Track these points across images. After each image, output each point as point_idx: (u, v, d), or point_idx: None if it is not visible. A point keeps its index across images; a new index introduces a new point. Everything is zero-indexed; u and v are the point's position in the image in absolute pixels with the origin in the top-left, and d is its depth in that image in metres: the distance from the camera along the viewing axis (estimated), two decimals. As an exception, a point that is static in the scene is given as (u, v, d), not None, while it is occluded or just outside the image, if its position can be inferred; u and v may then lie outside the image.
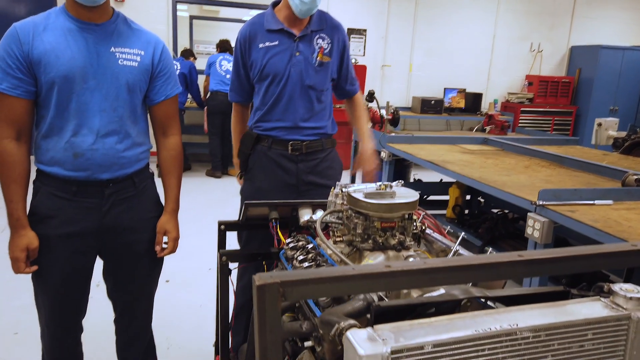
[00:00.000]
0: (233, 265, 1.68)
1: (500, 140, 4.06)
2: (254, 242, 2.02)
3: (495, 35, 8.28)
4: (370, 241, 1.29)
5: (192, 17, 7.35)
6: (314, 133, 2.10)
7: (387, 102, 4.81)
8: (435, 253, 1.40)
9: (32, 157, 1.55)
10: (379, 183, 1.35)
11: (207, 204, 4.94)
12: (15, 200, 1.50)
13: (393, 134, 4.22)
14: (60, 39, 1.47)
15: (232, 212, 2.23)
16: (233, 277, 1.70)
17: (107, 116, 1.54)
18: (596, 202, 2.30)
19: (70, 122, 1.51)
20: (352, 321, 0.82)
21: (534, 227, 2.20)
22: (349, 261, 1.23)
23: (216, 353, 1.85)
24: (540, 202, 2.22)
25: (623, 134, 4.34)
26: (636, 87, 8.25)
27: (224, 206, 2.38)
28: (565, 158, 3.34)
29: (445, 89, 7.89)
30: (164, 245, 1.74)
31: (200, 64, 6.76)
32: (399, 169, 4.18)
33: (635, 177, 2.58)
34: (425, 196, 4.54)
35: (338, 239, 1.34)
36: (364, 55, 7.75)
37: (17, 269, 1.54)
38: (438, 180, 4.44)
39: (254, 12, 6.33)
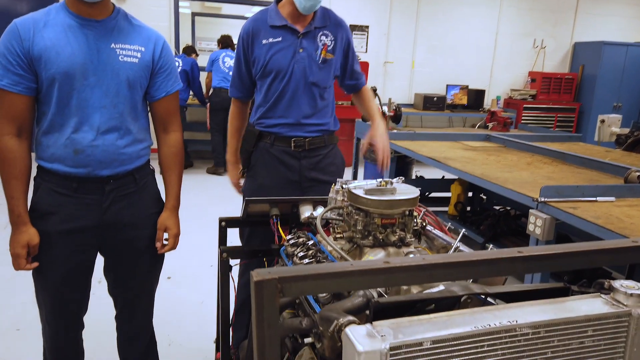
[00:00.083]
0: (234, 262, 1.68)
1: (503, 137, 4.05)
2: (255, 238, 2.02)
3: (498, 31, 8.25)
4: (370, 238, 1.29)
5: (194, 14, 7.34)
6: (316, 130, 2.10)
7: (389, 99, 4.81)
8: (436, 250, 1.40)
9: (33, 154, 1.55)
10: (379, 179, 1.35)
11: (209, 201, 4.94)
12: (16, 197, 1.50)
13: (395, 131, 4.21)
14: (61, 35, 1.47)
15: (234, 209, 2.23)
16: (234, 274, 1.71)
17: (108, 112, 1.54)
18: (598, 198, 2.29)
19: (71, 118, 1.51)
20: (351, 317, 0.82)
21: (536, 224, 2.19)
22: (349, 258, 1.23)
23: (217, 349, 1.85)
24: (542, 199, 2.21)
25: (626, 130, 4.33)
26: (640, 83, 8.22)
27: (226, 203, 2.38)
28: (567, 155, 3.33)
29: (447, 85, 7.87)
30: (165, 242, 1.74)
31: (202, 60, 6.76)
32: (401, 165, 4.18)
33: (638, 173, 2.57)
34: (427, 193, 4.54)
35: (338, 236, 1.34)
36: (366, 51, 7.73)
37: (17, 266, 1.54)
38: (440, 177, 4.44)
39: (256, 9, 6.32)
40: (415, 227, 1.36)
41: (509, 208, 4.04)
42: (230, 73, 5.79)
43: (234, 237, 2.09)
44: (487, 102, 8.14)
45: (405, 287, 1.11)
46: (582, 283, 0.98)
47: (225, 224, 1.70)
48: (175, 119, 1.74)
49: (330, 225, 1.43)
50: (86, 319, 1.77)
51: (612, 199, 2.31)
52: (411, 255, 1.25)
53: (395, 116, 4.43)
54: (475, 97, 7.88)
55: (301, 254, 1.32)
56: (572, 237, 3.02)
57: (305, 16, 2.03)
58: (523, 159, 3.37)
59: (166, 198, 1.75)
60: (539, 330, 0.79)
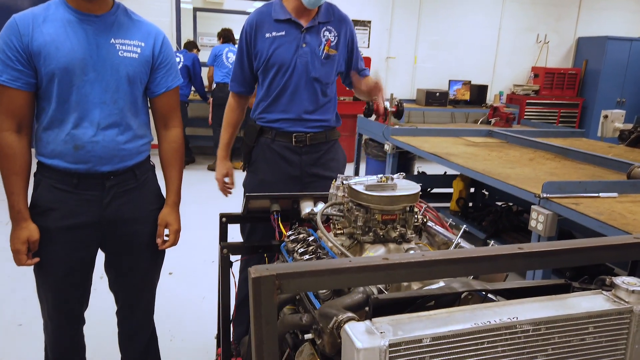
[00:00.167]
0: (235, 258, 1.68)
1: (505, 132, 4.03)
2: (256, 234, 2.02)
3: (501, 26, 8.20)
4: (371, 234, 1.28)
5: (195, 9, 7.32)
6: (317, 125, 2.09)
7: (392, 95, 4.78)
8: (437, 246, 1.39)
9: (33, 150, 1.55)
10: (380, 175, 1.34)
11: (210, 197, 4.94)
12: (16, 193, 1.50)
13: (397, 127, 4.20)
14: (60, 30, 1.46)
15: (236, 205, 2.23)
16: (235, 270, 1.70)
17: (108, 108, 1.53)
18: (601, 194, 2.28)
19: (71, 114, 1.50)
20: (350, 314, 0.81)
21: (538, 220, 2.18)
22: (350, 254, 1.22)
23: (218, 345, 1.85)
24: (544, 195, 2.20)
25: (629, 126, 4.30)
26: (643, 78, 8.17)
27: (227, 199, 2.37)
28: (570, 150, 3.32)
29: (450, 81, 7.83)
30: (165, 238, 1.74)
31: (204, 56, 6.74)
32: (403, 161, 4.17)
33: (641, 169, 2.55)
34: (429, 189, 4.53)
35: (339, 232, 1.33)
36: (368, 47, 7.70)
37: (18, 262, 1.55)
38: (442, 172, 4.43)
39: (258, 4, 6.30)
40: (416, 223, 1.35)
41: (511, 204, 4.03)
42: (234, 68, 5.73)
43: (235, 233, 2.09)
44: (490, 97, 8.11)
45: (405, 284, 1.11)
46: (583, 279, 0.97)
47: (226, 219, 1.70)
48: (175, 114, 1.73)
49: (331, 221, 1.43)
50: (87, 314, 1.77)
51: (615, 194, 2.30)
52: (411, 252, 1.25)
53: (398, 112, 4.39)
54: (478, 93, 7.85)
55: (301, 250, 1.32)
56: (574, 233, 3.01)
57: (310, 11, 2.02)
58: (525, 155, 3.36)
59: (167, 194, 1.75)
60: (539, 327, 0.78)
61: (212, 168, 6.43)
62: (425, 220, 1.40)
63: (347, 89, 2.33)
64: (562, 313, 0.80)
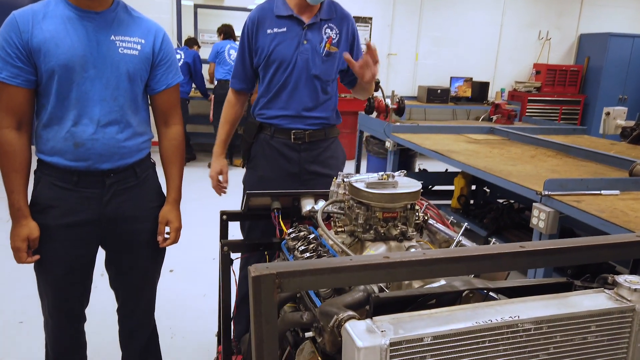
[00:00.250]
0: (235, 256, 1.67)
1: (507, 129, 4.02)
2: (255, 231, 2.02)
3: (502, 23, 8.18)
4: (372, 232, 1.28)
5: (196, 6, 7.30)
6: (317, 123, 2.08)
7: (393, 92, 4.78)
8: (438, 244, 1.39)
9: (33, 147, 1.54)
10: (381, 173, 1.34)
11: (211, 194, 4.93)
12: (16, 191, 1.50)
13: (398, 124, 4.19)
14: (60, 27, 1.46)
15: (236, 203, 2.22)
16: (235, 267, 1.70)
17: (108, 105, 1.53)
18: (603, 192, 2.27)
19: (71, 111, 1.50)
20: (351, 312, 0.81)
21: (539, 217, 2.18)
22: (350, 252, 1.22)
23: (219, 343, 1.85)
24: (546, 192, 2.20)
25: (632, 123, 4.29)
26: (646, 75, 8.14)
27: (228, 196, 2.37)
28: (572, 147, 3.31)
29: (451, 77, 7.82)
30: (166, 236, 1.74)
31: (205, 53, 6.73)
32: (404, 158, 4.16)
33: (643, 166, 2.54)
34: (430, 186, 4.52)
35: (340, 230, 1.33)
36: (369, 44, 7.67)
37: (19, 259, 1.54)
38: (443, 170, 4.42)
39: (259, 0, 6.28)
40: (417, 221, 1.34)
41: (512, 201, 4.03)
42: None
43: (235, 231, 2.09)
44: (492, 94, 8.08)
45: (406, 282, 1.11)
46: (585, 278, 0.97)
47: (227, 217, 1.70)
48: (176, 112, 1.73)
49: (332, 219, 1.42)
50: (88, 311, 1.77)
51: (617, 192, 2.29)
52: (412, 250, 1.24)
53: (399, 109, 4.40)
54: (480, 90, 7.84)
55: (302, 247, 1.32)
56: (576, 230, 3.00)
57: (312, 7, 2.01)
58: (527, 152, 3.35)
59: (167, 191, 1.74)
60: (541, 325, 0.78)
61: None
62: (426, 217, 1.39)
63: (348, 88, 2.30)
64: (564, 312, 0.79)
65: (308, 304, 1.11)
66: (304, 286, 0.65)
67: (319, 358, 1.02)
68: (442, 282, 0.99)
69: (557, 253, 0.79)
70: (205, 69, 6.65)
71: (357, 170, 5.08)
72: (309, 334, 1.07)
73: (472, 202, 4.28)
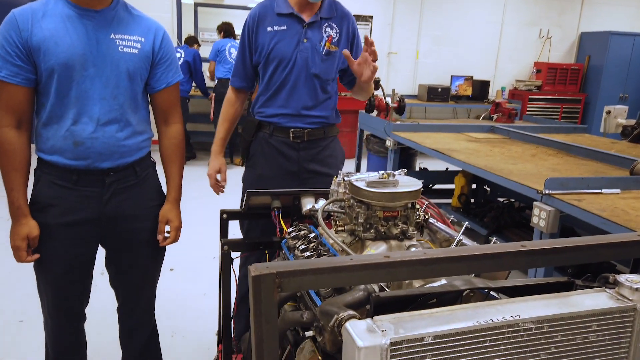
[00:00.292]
0: (236, 254, 1.67)
1: (507, 128, 4.01)
2: (254, 230, 2.01)
3: (503, 21, 8.16)
4: (372, 231, 1.28)
5: (196, 4, 7.29)
6: (316, 121, 2.08)
7: (393, 90, 4.77)
8: (438, 243, 1.38)
9: (33, 146, 1.54)
10: (381, 172, 1.33)
11: (211, 193, 4.93)
12: (16, 189, 1.49)
13: (399, 122, 4.19)
14: (60, 25, 1.45)
15: (237, 201, 2.22)
16: (235, 266, 1.70)
17: (108, 104, 1.52)
18: (604, 191, 2.27)
19: (70, 110, 1.49)
20: (351, 312, 0.81)
21: (540, 216, 2.18)
22: (351, 251, 1.22)
23: (219, 341, 1.85)
24: (547, 191, 2.19)
25: (632, 121, 4.28)
26: (646, 74, 8.13)
27: (229, 195, 2.36)
28: (572, 146, 3.30)
29: (452, 76, 7.80)
30: (166, 235, 1.74)
31: (205, 51, 6.72)
32: (405, 157, 4.16)
33: (644, 165, 2.54)
34: (430, 185, 4.52)
35: (340, 229, 1.33)
36: (370, 42, 7.66)
37: (18, 258, 1.54)
38: (444, 168, 4.41)
39: (259, -1, 6.27)
40: (418, 220, 1.34)
41: (513, 200, 4.02)
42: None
43: (236, 230, 2.09)
44: (492, 93, 8.07)
45: (406, 281, 1.10)
46: (586, 277, 0.96)
47: (227, 216, 1.69)
48: (176, 110, 1.73)
49: (332, 217, 1.42)
50: (88, 310, 1.77)
51: (618, 191, 2.29)
52: (413, 249, 1.24)
53: (399, 107, 4.40)
54: (480, 88, 7.83)
55: (302, 246, 1.31)
56: (577, 229, 3.00)
57: (312, 5, 2.00)
58: (528, 151, 3.35)
59: (167, 190, 1.74)
60: (542, 325, 0.78)
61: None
62: (427, 217, 1.39)
63: (347, 89, 2.28)
64: (565, 311, 0.79)
65: (308, 303, 1.11)
66: (304, 286, 0.65)
67: (319, 357, 1.01)
68: (443, 281, 0.99)
69: (559, 252, 0.78)
70: (205, 68, 6.65)
71: (358, 169, 5.07)
72: (309, 333, 1.07)
73: (472, 200, 4.28)
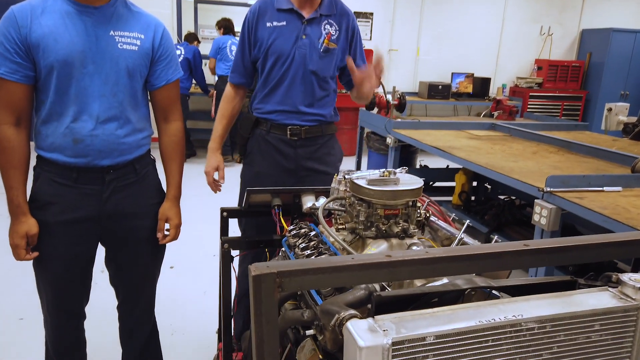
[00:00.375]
0: (236, 253, 1.67)
1: (508, 125, 4.01)
2: (251, 226, 2.01)
3: (504, 18, 8.14)
4: (373, 229, 1.27)
5: (196, 1, 7.27)
6: (313, 119, 2.06)
7: (394, 87, 4.76)
8: (439, 241, 1.38)
9: (32, 144, 1.53)
10: (382, 169, 1.33)
11: (211, 191, 4.92)
12: (15, 187, 1.49)
13: (399, 120, 4.18)
14: (59, 22, 1.44)
15: (237, 199, 2.21)
16: (236, 264, 1.69)
17: (107, 101, 1.51)
18: (605, 188, 2.26)
19: (70, 107, 1.48)
20: (352, 311, 0.80)
21: (541, 214, 2.17)
22: (351, 249, 1.21)
23: (219, 340, 1.85)
24: (548, 189, 2.19)
25: (634, 119, 4.27)
26: (647, 71, 8.11)
27: (229, 192, 2.35)
28: (573, 144, 3.29)
29: (452, 73, 7.79)
30: (166, 233, 1.73)
31: (205, 48, 6.70)
32: (405, 155, 4.15)
33: (646, 163, 2.53)
34: (431, 182, 4.51)
35: (341, 227, 1.32)
36: (370, 39, 7.65)
37: (17, 256, 1.53)
38: (444, 166, 4.41)
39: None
40: (419, 218, 1.34)
41: (513, 198, 4.01)
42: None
43: (236, 228, 2.08)
44: (493, 90, 8.06)
45: (408, 280, 1.10)
46: (589, 276, 0.96)
47: (227, 214, 1.69)
48: (176, 108, 1.72)
49: (333, 216, 1.41)
50: (88, 309, 1.76)
51: (619, 188, 2.28)
52: (414, 248, 1.23)
53: (400, 105, 4.39)
54: (481, 85, 7.81)
55: (303, 245, 1.31)
56: (578, 227, 2.99)
57: (313, 2, 1.99)
58: (529, 148, 3.34)
59: (167, 188, 1.74)
60: (544, 324, 0.77)
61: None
62: (428, 215, 1.38)
63: (347, 89, 2.26)
64: (567, 310, 0.78)
65: (309, 302, 1.10)
66: (305, 285, 0.64)
67: (320, 356, 1.01)
68: (445, 280, 0.98)
69: (562, 251, 0.78)
70: (205, 65, 6.63)
71: (358, 167, 5.07)
72: (309, 332, 1.06)
73: (473, 198, 4.27)
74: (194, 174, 5.45)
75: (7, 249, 1.54)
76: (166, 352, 2.01)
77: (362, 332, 0.71)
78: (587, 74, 8.27)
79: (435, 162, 4.79)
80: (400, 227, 1.26)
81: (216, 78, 6.30)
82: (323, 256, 1.23)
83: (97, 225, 1.60)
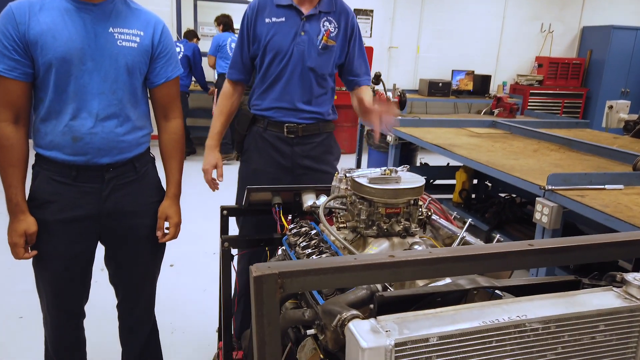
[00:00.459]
0: (236, 251, 1.66)
1: (509, 123, 3.99)
2: (249, 224, 2.00)
3: (504, 15, 8.12)
4: (374, 227, 1.26)
5: (196, -2, 7.26)
6: (311, 117, 2.05)
7: (394, 85, 4.75)
8: (441, 239, 1.37)
9: (31, 141, 1.52)
10: (383, 168, 1.32)
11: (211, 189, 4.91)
12: (13, 185, 1.48)
13: (399, 117, 4.16)
14: (57, 19, 1.43)
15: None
16: (236, 263, 1.68)
17: (106, 99, 1.50)
18: (606, 186, 2.25)
19: (69, 105, 1.47)
20: (354, 311, 0.79)
21: (543, 212, 2.16)
22: (353, 248, 1.20)
23: (219, 339, 1.84)
24: (549, 187, 2.18)
25: (634, 116, 4.26)
26: (648, 68, 8.09)
27: (229, 190, 2.35)
28: (574, 141, 3.28)
29: (453, 71, 7.77)
30: (166, 231, 1.72)
31: (205, 46, 6.68)
32: (406, 152, 4.14)
33: (647, 161, 2.52)
34: (431, 180, 4.50)
35: (342, 225, 1.31)
36: (370, 36, 7.63)
37: (16, 255, 1.52)
38: (445, 164, 4.40)
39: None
40: (421, 217, 1.33)
41: (514, 195, 4.00)
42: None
43: (237, 226, 2.07)
44: (493, 87, 8.04)
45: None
46: (593, 276, 0.95)
47: (227, 212, 1.68)
48: (175, 105, 1.71)
49: (334, 214, 1.40)
50: (88, 307, 1.75)
51: (621, 186, 2.27)
52: (416, 246, 1.22)
53: (400, 102, 4.38)
54: (481, 83, 7.80)
55: (303, 243, 1.30)
56: (579, 225, 2.98)
57: None
58: (529, 146, 3.33)
59: (167, 186, 1.73)
60: (549, 325, 0.76)
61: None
62: (429, 213, 1.37)
63: (347, 89, 2.24)
64: (572, 311, 0.78)
65: (310, 301, 1.09)
66: (306, 286, 0.63)
67: (321, 355, 1.00)
68: (448, 280, 0.97)
69: (566, 251, 0.77)
70: (204, 62, 6.61)
71: (358, 165, 5.06)
72: (310, 331, 1.05)
73: (473, 196, 4.26)
74: (193, 171, 5.43)
75: (6, 247, 1.53)
76: (166, 351, 2.00)
77: (364, 333, 0.70)
78: (588, 71, 8.26)
79: (436, 160, 4.78)
80: (401, 226, 1.25)
81: (216, 76, 6.28)
82: (325, 256, 1.22)
83: (97, 223, 1.59)
